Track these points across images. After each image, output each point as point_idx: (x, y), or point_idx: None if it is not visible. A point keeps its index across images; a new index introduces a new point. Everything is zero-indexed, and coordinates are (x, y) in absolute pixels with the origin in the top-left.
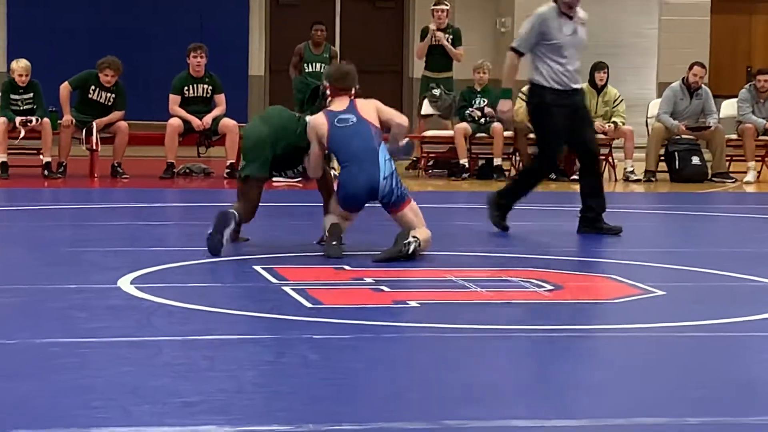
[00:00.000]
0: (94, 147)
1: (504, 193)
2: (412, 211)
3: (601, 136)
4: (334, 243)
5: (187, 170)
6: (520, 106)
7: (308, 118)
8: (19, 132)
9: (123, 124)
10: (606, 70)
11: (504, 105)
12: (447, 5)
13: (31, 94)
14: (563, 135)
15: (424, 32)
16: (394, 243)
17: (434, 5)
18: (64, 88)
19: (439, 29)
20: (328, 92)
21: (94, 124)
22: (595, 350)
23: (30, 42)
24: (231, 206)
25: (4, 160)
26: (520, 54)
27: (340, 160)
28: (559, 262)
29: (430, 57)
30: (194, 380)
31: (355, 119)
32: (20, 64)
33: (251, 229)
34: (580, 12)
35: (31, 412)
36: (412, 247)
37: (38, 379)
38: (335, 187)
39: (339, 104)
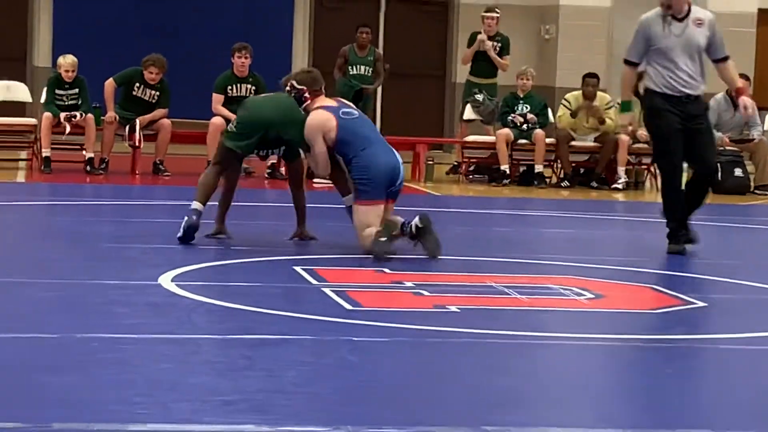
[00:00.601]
0: (137, 144)
1: (667, 216)
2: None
3: (644, 145)
4: (383, 239)
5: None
6: (562, 114)
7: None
8: (64, 127)
9: (166, 121)
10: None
11: (624, 119)
12: (498, 13)
13: (77, 90)
14: (675, 141)
15: (472, 38)
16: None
17: (485, 12)
18: (109, 84)
19: (488, 37)
20: (307, 95)
21: (138, 121)
22: (636, 359)
23: (76, 38)
24: (195, 206)
25: (48, 154)
26: (632, 64)
27: (355, 147)
28: (599, 270)
29: (476, 62)
30: (233, 379)
31: (356, 112)
32: (67, 60)
33: (290, 231)
34: (698, 11)
35: (73, 405)
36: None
37: (79, 374)
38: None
39: (326, 101)
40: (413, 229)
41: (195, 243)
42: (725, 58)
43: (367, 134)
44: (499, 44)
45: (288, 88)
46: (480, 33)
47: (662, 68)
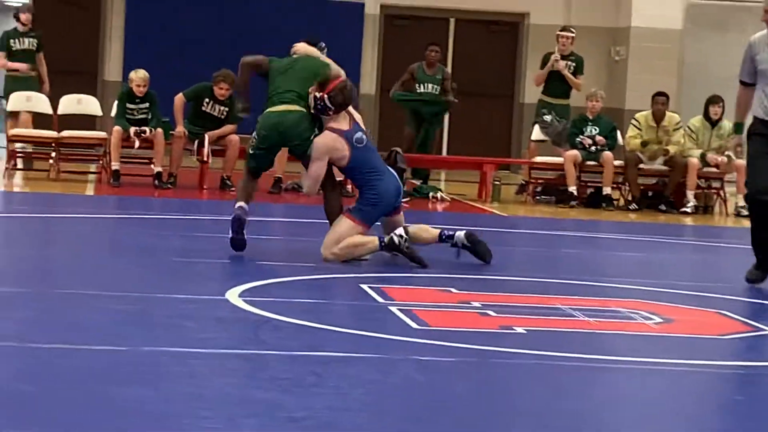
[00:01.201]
0: (205, 159)
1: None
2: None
3: (713, 169)
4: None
5: (295, 186)
6: (633, 134)
7: (318, 138)
8: (133, 142)
9: (234, 137)
10: (721, 104)
11: (733, 141)
12: (573, 32)
13: (147, 104)
14: (758, 165)
15: (546, 59)
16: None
17: (560, 31)
18: (179, 99)
19: (562, 56)
20: (330, 113)
21: (206, 136)
22: (704, 386)
23: (146, 53)
24: (238, 204)
25: (117, 168)
26: (744, 84)
27: (367, 177)
28: (667, 294)
29: (550, 82)
30: (300, 395)
31: (363, 137)
32: (139, 75)
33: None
34: None
35: (143, 418)
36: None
37: (148, 387)
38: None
39: (342, 122)
40: (464, 242)
41: (262, 259)
42: None
43: (377, 165)
44: (573, 64)
45: (315, 98)
46: (552, 53)
47: (760, 90)
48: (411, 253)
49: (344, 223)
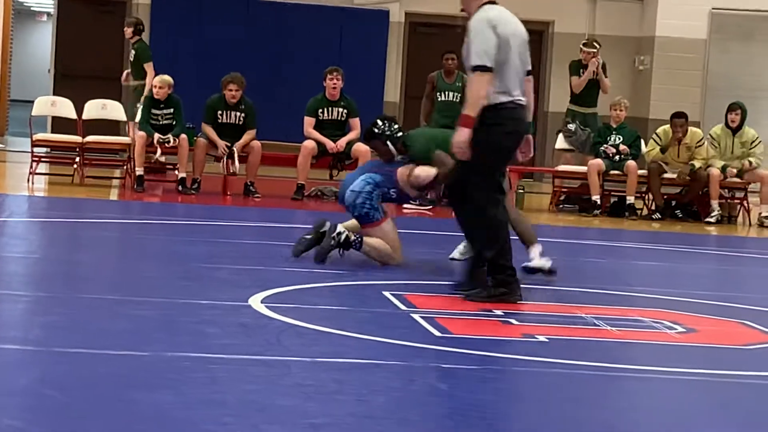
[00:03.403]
0: (235, 171)
1: None
2: (379, 231)
3: (736, 179)
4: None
5: (319, 192)
6: (652, 148)
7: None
8: (156, 149)
9: (256, 143)
10: (739, 111)
11: None
12: (596, 47)
13: (172, 110)
14: None
15: (572, 66)
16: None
17: (584, 45)
18: (205, 126)
19: (585, 65)
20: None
21: (235, 149)
22: (727, 396)
23: (171, 58)
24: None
25: (141, 173)
26: None
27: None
28: (691, 304)
29: (579, 90)
30: (323, 402)
31: None
32: (161, 78)
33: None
34: None
35: (165, 423)
36: (343, 237)
37: (171, 392)
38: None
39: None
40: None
41: (285, 266)
42: None
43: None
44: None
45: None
46: (578, 60)
47: None
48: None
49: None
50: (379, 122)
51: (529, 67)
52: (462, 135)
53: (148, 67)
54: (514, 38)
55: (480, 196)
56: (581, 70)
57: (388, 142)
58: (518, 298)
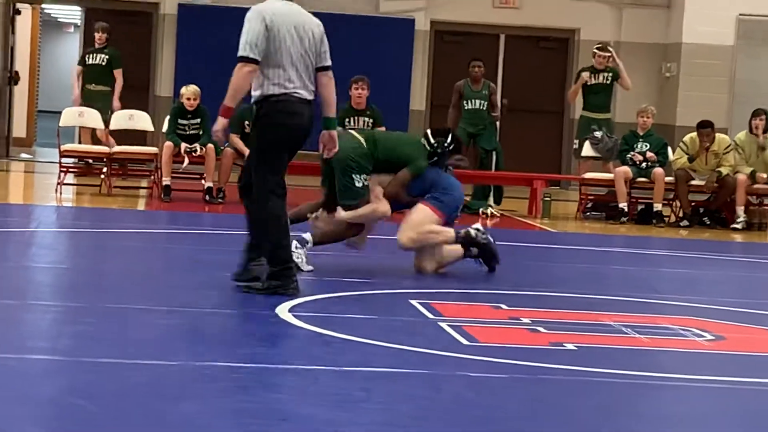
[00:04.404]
0: None
1: None
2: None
3: (765, 186)
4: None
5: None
6: (680, 156)
7: None
8: (184, 158)
9: None
10: (763, 117)
11: None
12: (610, 52)
13: (199, 120)
14: None
15: (579, 74)
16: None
17: (597, 49)
18: (232, 137)
19: (597, 69)
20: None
21: None
22: (757, 403)
23: (197, 68)
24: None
25: (168, 183)
26: None
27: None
28: (719, 311)
29: (590, 96)
30: (349, 411)
31: None
32: (189, 89)
33: (407, 264)
34: None
35: None
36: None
37: (198, 401)
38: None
39: None
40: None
41: (312, 275)
42: None
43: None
44: (610, 74)
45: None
46: (585, 70)
47: None
48: (487, 246)
49: (422, 211)
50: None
51: (326, 63)
52: (218, 124)
53: (119, 74)
54: (290, 32)
55: (259, 189)
56: (591, 75)
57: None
58: (292, 291)
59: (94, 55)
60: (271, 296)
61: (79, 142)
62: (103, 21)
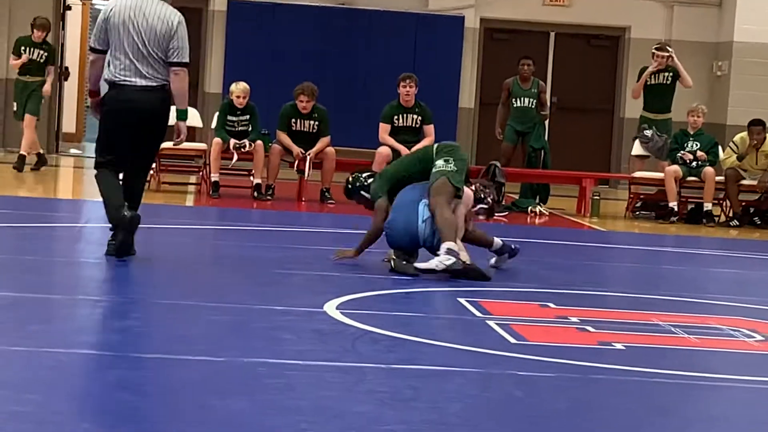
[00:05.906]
0: (308, 177)
1: None
2: None
3: None
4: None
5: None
6: (729, 156)
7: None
8: (232, 155)
9: (330, 150)
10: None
11: None
12: (669, 51)
13: (248, 117)
14: None
15: (642, 72)
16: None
17: (656, 49)
18: (280, 134)
19: (658, 70)
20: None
21: (308, 156)
22: None
23: (246, 65)
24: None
25: (216, 179)
26: None
27: None
28: None
29: (650, 97)
30: (398, 409)
31: None
32: (239, 87)
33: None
34: None
35: (240, 429)
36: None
37: (246, 398)
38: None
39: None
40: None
41: (359, 272)
42: None
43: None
44: (670, 74)
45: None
46: (648, 67)
47: None
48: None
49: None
50: (350, 178)
51: (174, 60)
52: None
53: (53, 69)
54: (125, 24)
55: (96, 167)
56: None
57: (363, 193)
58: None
59: (32, 49)
60: (316, 294)
61: None
62: None
